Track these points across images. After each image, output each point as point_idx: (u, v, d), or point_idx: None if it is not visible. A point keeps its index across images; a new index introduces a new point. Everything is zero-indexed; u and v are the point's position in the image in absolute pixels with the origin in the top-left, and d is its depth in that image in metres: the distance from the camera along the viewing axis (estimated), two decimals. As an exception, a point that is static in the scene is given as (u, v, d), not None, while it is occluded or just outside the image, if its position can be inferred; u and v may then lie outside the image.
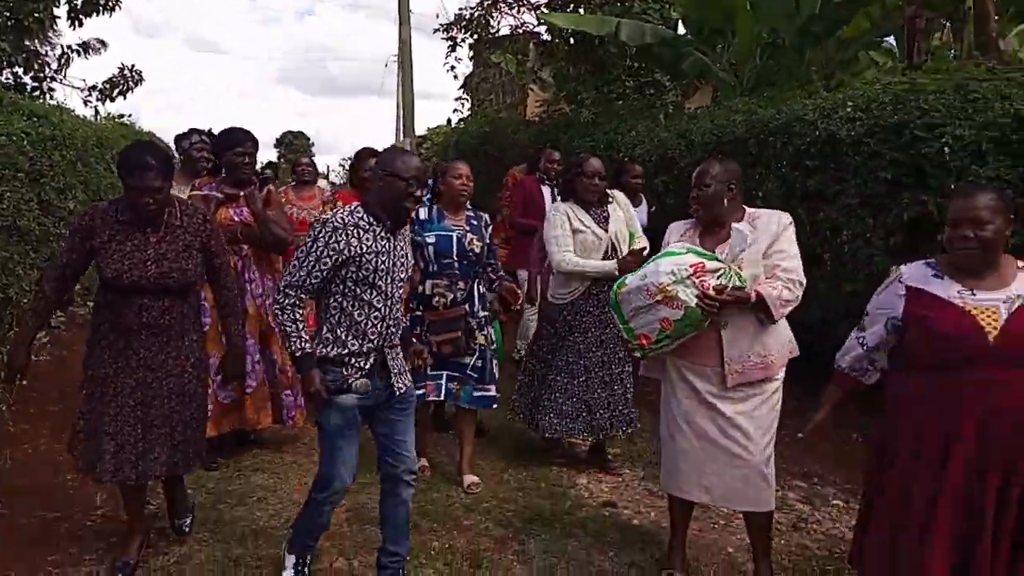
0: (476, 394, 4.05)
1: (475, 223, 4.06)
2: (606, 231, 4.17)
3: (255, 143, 4.05)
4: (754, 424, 2.94)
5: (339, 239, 2.69)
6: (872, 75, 7.12)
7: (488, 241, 4.09)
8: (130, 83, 12.08)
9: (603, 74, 8.67)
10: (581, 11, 8.89)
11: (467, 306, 3.97)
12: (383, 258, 2.77)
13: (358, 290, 2.75)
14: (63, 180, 6.00)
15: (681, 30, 9.03)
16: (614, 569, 3.24)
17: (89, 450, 2.95)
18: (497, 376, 4.19)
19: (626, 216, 4.32)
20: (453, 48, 10.05)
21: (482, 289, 4.11)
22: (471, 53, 11.31)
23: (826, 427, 2.83)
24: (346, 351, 2.75)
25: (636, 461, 4.50)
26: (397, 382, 2.89)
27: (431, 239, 3.94)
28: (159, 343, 2.96)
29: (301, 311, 2.74)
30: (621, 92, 8.79)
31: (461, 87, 17.10)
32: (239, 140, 3.96)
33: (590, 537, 3.50)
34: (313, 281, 2.72)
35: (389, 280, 2.80)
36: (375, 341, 2.79)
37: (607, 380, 4.24)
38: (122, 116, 14.44)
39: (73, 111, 8.73)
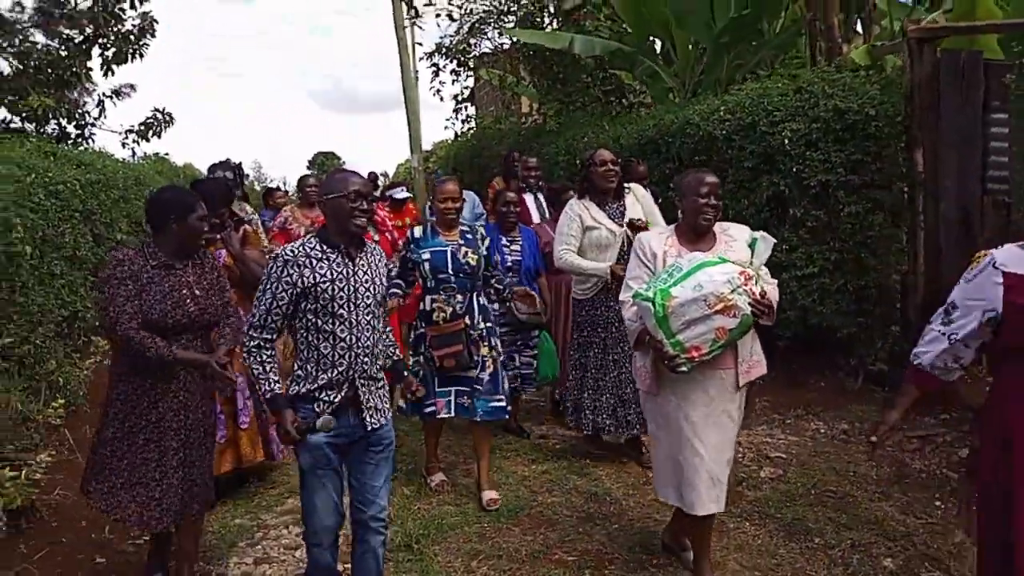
0: (491, 405, 4.05)
1: (470, 237, 4.11)
2: (621, 226, 4.24)
3: (212, 204, 3.71)
4: (740, 416, 3.05)
5: (290, 272, 2.64)
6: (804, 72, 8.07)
7: (486, 253, 4.13)
8: (163, 124, 13.19)
9: (564, 85, 9.79)
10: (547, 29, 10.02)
11: (467, 319, 4.00)
12: (341, 285, 2.68)
13: (319, 321, 2.67)
14: (110, 216, 7.31)
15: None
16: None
17: (108, 492, 2.97)
18: (507, 388, 4.21)
19: (645, 208, 4.40)
20: (436, 73, 11.29)
21: (483, 301, 4.15)
22: (463, 71, 12.35)
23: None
24: (315, 386, 2.67)
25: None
26: (370, 417, 2.76)
27: (426, 255, 4.01)
28: (195, 382, 3.05)
29: (268, 352, 2.70)
30: (583, 101, 9.90)
31: (466, 100, 18.37)
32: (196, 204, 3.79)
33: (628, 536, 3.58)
34: (274, 319, 2.67)
35: (352, 307, 2.70)
36: (344, 372, 2.69)
37: (627, 377, 4.21)
38: (157, 154, 15.81)
39: (113, 155, 10.12)
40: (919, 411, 4.52)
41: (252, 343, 2.68)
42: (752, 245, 2.97)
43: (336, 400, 2.68)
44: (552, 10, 10.22)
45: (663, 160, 6.37)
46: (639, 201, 4.38)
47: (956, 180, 4.85)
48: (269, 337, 2.68)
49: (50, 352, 5.47)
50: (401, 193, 7.56)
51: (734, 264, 2.83)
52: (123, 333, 2.89)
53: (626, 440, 4.62)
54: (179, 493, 2.99)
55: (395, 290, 4.03)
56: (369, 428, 2.76)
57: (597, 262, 4.24)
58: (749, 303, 2.76)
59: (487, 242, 4.18)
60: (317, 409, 2.66)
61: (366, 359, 2.73)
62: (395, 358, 3.04)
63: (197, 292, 3.02)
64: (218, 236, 3.88)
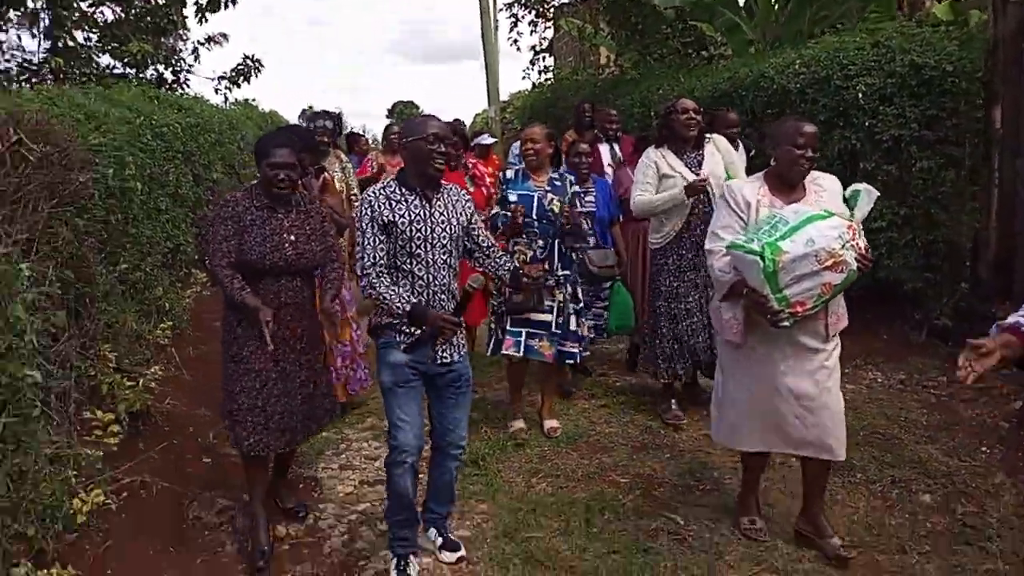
0: (561, 350, 4.15)
1: (558, 184, 4.18)
2: (697, 175, 4.18)
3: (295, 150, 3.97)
4: (836, 373, 3.05)
5: (374, 210, 2.79)
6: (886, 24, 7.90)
7: (570, 199, 4.17)
8: (252, 71, 13.46)
9: (643, 37, 9.78)
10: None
11: (547, 264, 4.07)
12: (418, 226, 2.80)
13: (398, 261, 2.81)
14: (207, 158, 7.83)
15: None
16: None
17: (236, 426, 3.16)
18: (584, 335, 4.30)
19: (725, 160, 4.36)
20: (515, 24, 11.42)
21: (564, 249, 4.18)
22: (541, 22, 12.39)
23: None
24: (396, 319, 2.83)
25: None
26: (442, 352, 2.90)
27: (513, 198, 4.12)
28: (295, 320, 3.15)
29: (387, 279, 2.81)
30: (662, 53, 9.88)
31: (543, 51, 18.34)
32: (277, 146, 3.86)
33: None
34: (380, 254, 2.80)
35: (428, 247, 2.82)
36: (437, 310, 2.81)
37: (707, 322, 4.17)
38: (246, 100, 16.38)
39: (207, 100, 10.68)
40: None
41: (368, 279, 2.80)
42: (853, 197, 2.93)
43: (416, 332, 2.81)
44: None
45: (738, 113, 6.41)
46: (719, 151, 4.36)
47: (1034, 138, 4.80)
48: (382, 270, 2.80)
49: (158, 280, 5.98)
50: (487, 139, 7.63)
51: (841, 219, 2.80)
52: (212, 268, 3.10)
53: (685, 385, 4.66)
54: (280, 423, 3.13)
55: (502, 215, 4.11)
56: (440, 362, 2.90)
57: (668, 223, 4.23)
58: (856, 257, 2.75)
59: (575, 187, 4.26)
60: (398, 339, 2.83)
61: (442, 296, 2.86)
62: (511, 266, 3.08)
63: (295, 236, 3.11)
64: (299, 181, 3.86)
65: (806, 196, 2.96)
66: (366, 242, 2.79)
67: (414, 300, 2.78)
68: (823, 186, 3.02)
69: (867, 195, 2.91)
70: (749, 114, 6.28)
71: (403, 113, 53.51)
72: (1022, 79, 4.78)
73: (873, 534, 3.21)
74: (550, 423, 4.30)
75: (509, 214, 4.05)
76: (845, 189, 3.02)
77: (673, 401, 4.49)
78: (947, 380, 4.56)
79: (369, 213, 2.79)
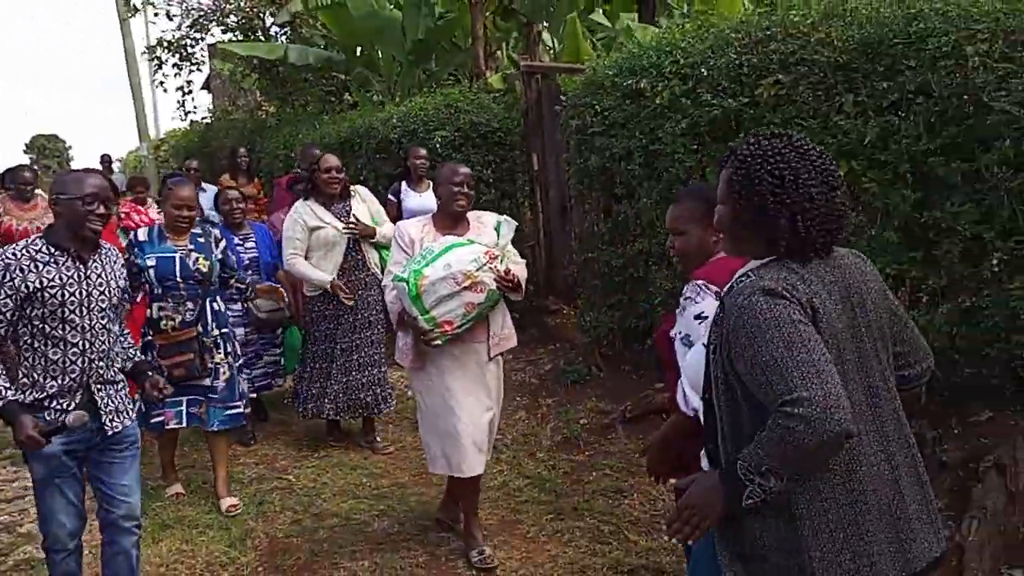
0: (226, 414, 3.97)
1: (201, 241, 3.98)
2: (348, 224, 4.49)
3: None
4: (499, 386, 3.45)
5: (13, 277, 2.54)
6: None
7: (221, 257, 4.03)
8: None
9: (285, 85, 10.74)
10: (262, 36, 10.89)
11: (200, 326, 3.88)
12: (72, 289, 2.61)
13: (46, 327, 2.59)
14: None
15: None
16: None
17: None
18: (246, 391, 4.26)
19: (371, 208, 4.67)
20: (159, 67, 11.68)
21: (216, 306, 4.03)
22: (186, 66, 12.63)
23: None
24: (44, 394, 2.59)
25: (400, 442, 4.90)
26: (109, 421, 2.71)
27: (151, 262, 3.84)
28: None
29: None
30: (305, 100, 10.91)
31: (203, 87, 18.34)
32: None
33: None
34: None
35: (84, 312, 2.64)
36: (78, 378, 2.63)
37: (363, 362, 4.59)
38: None
39: None
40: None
41: None
42: (497, 228, 3.30)
43: (70, 407, 2.61)
44: (271, 16, 11.09)
45: (356, 157, 7.64)
46: (364, 202, 4.67)
47: (556, 178, 6.62)
48: None
49: None
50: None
51: (481, 245, 3.13)
52: None
53: (362, 428, 4.88)
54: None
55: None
56: (111, 433, 2.71)
57: (321, 271, 4.46)
58: (495, 279, 3.07)
59: (222, 244, 4.09)
60: (48, 418, 2.58)
61: (101, 363, 2.70)
62: (135, 359, 2.97)
63: None
64: None
65: (468, 231, 3.31)
66: None
67: (11, 396, 2.51)
68: (484, 222, 3.39)
69: (507, 225, 3.33)
70: (365, 158, 7.54)
71: (44, 149, 47.81)
72: (543, 134, 6.57)
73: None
74: (228, 501, 4.04)
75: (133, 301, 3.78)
76: None
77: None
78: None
79: (4, 279, 2.53)
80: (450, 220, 3.31)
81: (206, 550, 3.66)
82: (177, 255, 3.88)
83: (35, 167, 8.53)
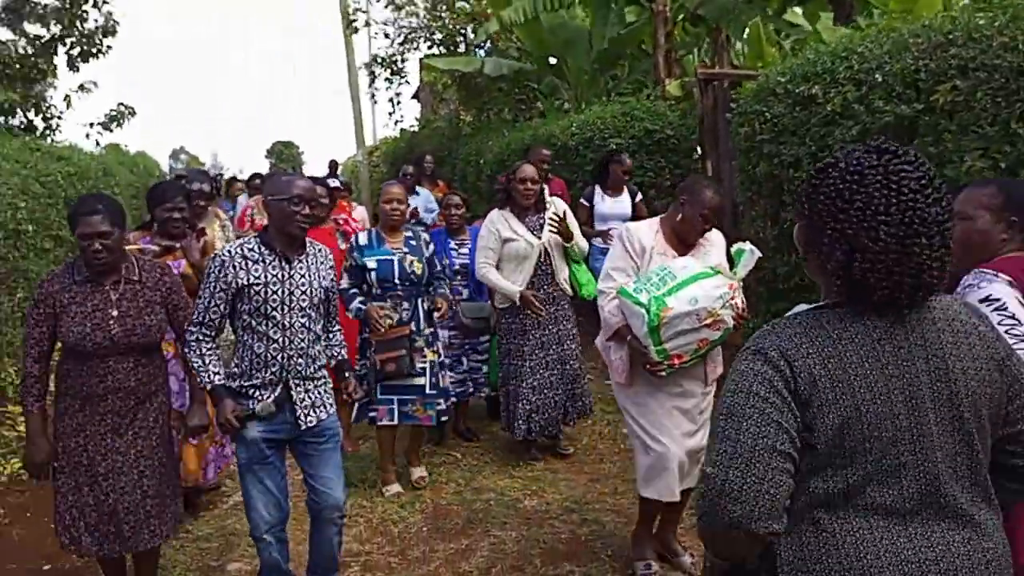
0: (437, 410, 4.19)
1: (414, 243, 4.17)
2: (539, 238, 4.38)
3: (187, 198, 3.98)
4: (709, 410, 3.16)
5: (226, 272, 2.70)
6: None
7: (429, 257, 4.18)
8: (125, 117, 12.88)
9: (481, 95, 11.50)
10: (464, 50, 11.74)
11: (412, 325, 4.06)
12: (275, 288, 2.73)
13: (253, 322, 2.74)
14: (85, 203, 8.72)
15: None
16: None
17: (68, 524, 2.82)
18: (450, 391, 4.40)
19: (567, 220, 4.46)
20: (372, 80, 12.96)
21: (427, 306, 4.17)
22: (396, 80, 13.81)
23: None
24: (249, 383, 2.75)
25: (589, 456, 4.79)
26: (304, 416, 2.83)
27: (372, 264, 4.03)
28: (125, 407, 2.82)
29: (208, 345, 2.75)
30: (499, 108, 11.62)
31: (413, 97, 19.89)
32: (168, 196, 3.84)
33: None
34: (212, 316, 2.73)
35: (286, 310, 2.75)
36: (277, 373, 2.76)
37: (554, 381, 4.43)
38: (116, 145, 16.81)
39: (82, 148, 11.41)
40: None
41: (191, 336, 2.76)
42: (738, 255, 3.04)
43: (269, 399, 2.76)
44: (471, 33, 11.92)
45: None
46: (559, 213, 4.48)
47: (728, 184, 6.62)
48: (209, 333, 2.76)
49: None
50: (333, 181, 7.50)
51: (725, 277, 2.93)
52: (24, 358, 2.77)
53: (550, 438, 4.75)
54: (114, 522, 2.81)
55: (359, 299, 4.03)
56: (303, 427, 2.83)
57: (511, 282, 4.36)
58: (733, 316, 2.89)
59: (431, 247, 4.25)
60: (251, 405, 2.76)
61: (300, 360, 2.80)
62: (340, 358, 3.08)
63: (122, 311, 2.78)
64: (178, 245, 3.79)
65: (696, 248, 3.11)
66: (203, 298, 2.75)
67: (219, 381, 2.73)
68: (711, 240, 3.15)
69: (750, 255, 3.01)
70: (549, 163, 7.94)
71: (282, 154, 53.39)
72: (718, 141, 6.61)
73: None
74: (418, 472, 4.37)
75: (363, 307, 3.99)
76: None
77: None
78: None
79: (216, 272, 2.73)
80: (676, 239, 3.12)
81: (382, 508, 4.20)
82: (395, 257, 4.09)
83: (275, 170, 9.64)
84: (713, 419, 1.40)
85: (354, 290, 4.09)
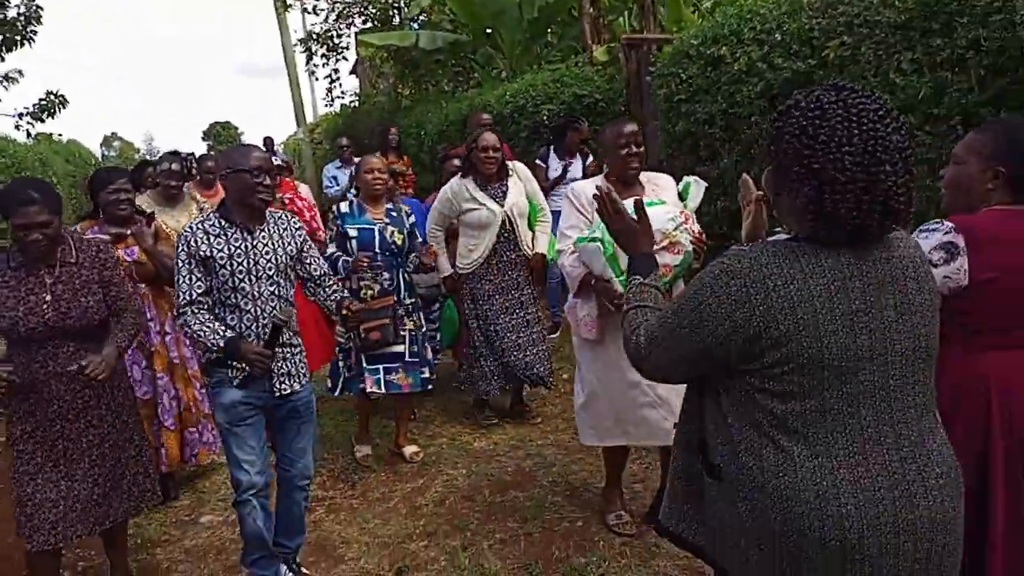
0: (421, 377, 4.22)
1: (394, 215, 4.20)
2: (502, 206, 4.36)
3: (129, 179, 3.86)
4: None
5: (190, 245, 2.72)
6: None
7: (410, 229, 4.22)
8: (57, 106, 12.46)
9: (417, 68, 11.66)
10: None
11: (395, 295, 4.12)
12: (239, 259, 2.74)
13: (222, 296, 2.75)
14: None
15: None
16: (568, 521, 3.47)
17: (22, 514, 2.77)
18: (431, 360, 4.40)
19: (527, 188, 4.50)
20: (310, 58, 12.98)
21: (407, 276, 4.22)
22: (333, 56, 13.84)
23: None
24: (221, 354, 2.74)
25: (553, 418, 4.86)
26: (279, 384, 2.85)
27: (352, 232, 4.08)
28: (71, 392, 2.78)
29: (203, 314, 2.73)
30: (435, 80, 11.79)
31: (351, 73, 19.81)
32: (112, 178, 3.73)
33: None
34: (195, 291, 2.72)
35: (254, 280, 2.76)
36: (252, 343, 2.75)
37: (520, 343, 4.48)
38: (49, 135, 16.51)
39: (14, 139, 11.28)
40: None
41: (185, 316, 2.73)
42: (685, 189, 3.07)
43: (247, 368, 2.75)
44: (405, 6, 12.04)
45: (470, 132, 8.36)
46: (522, 181, 4.50)
47: (653, 144, 6.99)
48: (201, 307, 2.74)
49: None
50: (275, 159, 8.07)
51: (672, 206, 2.91)
52: None
53: (511, 403, 4.87)
54: (59, 511, 2.77)
55: (344, 259, 4.05)
56: (278, 394, 2.84)
57: (473, 247, 4.40)
58: (691, 240, 2.85)
59: (412, 219, 4.29)
60: (230, 374, 2.78)
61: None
62: (336, 299, 3.07)
63: (56, 294, 2.74)
64: (128, 232, 3.68)
65: (645, 193, 3.05)
66: (181, 279, 2.75)
67: (229, 334, 2.72)
68: (660, 184, 3.17)
69: (696, 185, 3.06)
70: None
71: (219, 136, 52.21)
72: (643, 103, 6.96)
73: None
74: (410, 449, 4.40)
75: (349, 259, 4.04)
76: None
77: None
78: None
79: (185, 249, 2.73)
80: (624, 184, 3.05)
81: (343, 460, 4.49)
82: (376, 227, 4.11)
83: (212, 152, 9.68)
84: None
85: (338, 253, 4.12)
